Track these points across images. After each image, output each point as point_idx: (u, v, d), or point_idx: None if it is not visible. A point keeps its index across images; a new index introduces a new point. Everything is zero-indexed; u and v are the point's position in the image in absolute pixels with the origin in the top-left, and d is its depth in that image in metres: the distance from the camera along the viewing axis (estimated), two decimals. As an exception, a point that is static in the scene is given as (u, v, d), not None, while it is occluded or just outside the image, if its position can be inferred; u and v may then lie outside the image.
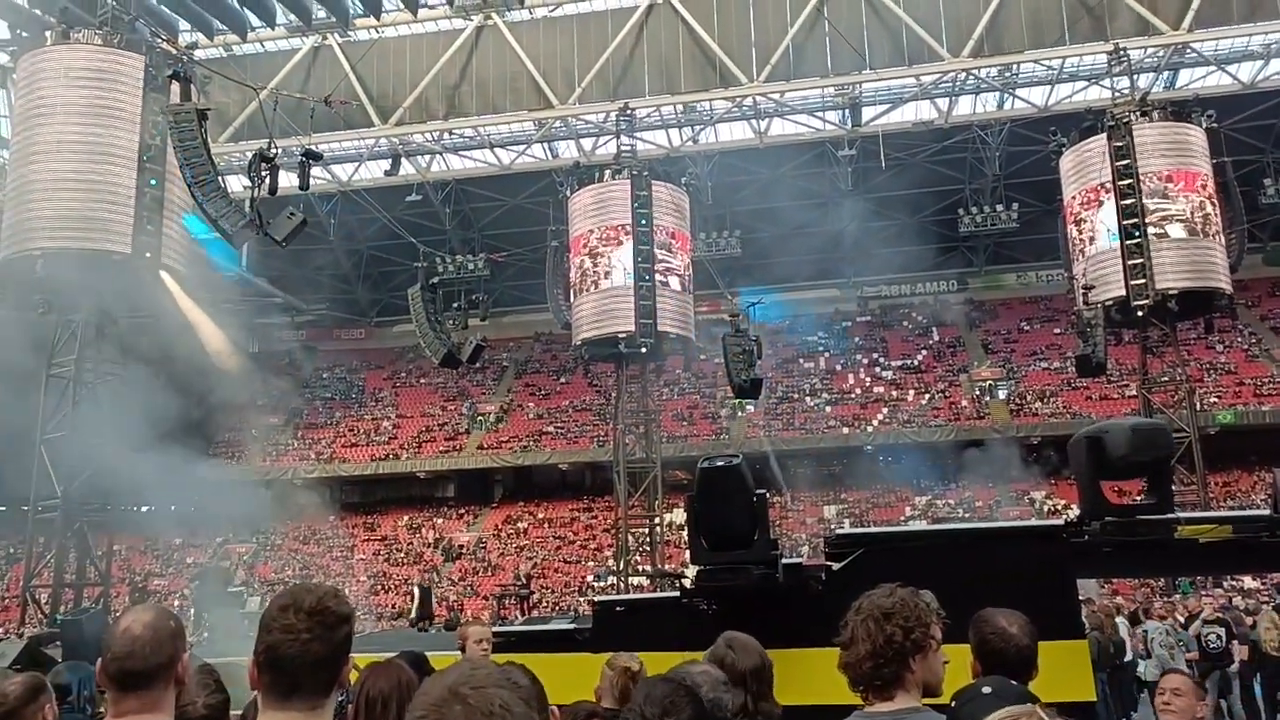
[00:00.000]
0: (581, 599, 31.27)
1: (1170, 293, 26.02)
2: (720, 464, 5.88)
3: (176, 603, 30.97)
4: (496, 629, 6.15)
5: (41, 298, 20.57)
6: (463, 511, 41.06)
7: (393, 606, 33.60)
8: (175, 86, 18.48)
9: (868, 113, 37.23)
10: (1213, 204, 26.99)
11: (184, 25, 35.31)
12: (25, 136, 21.98)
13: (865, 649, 2.49)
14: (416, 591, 21.30)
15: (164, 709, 2.32)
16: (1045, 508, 33.85)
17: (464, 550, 38.21)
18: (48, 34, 22.59)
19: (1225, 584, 20.80)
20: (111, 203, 21.27)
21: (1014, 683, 2.74)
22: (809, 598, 5.63)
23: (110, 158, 21.39)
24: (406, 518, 40.83)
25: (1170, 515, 5.31)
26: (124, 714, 2.27)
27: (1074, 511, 6.05)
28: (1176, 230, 26.51)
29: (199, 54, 33.23)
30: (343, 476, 40.98)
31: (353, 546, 39.13)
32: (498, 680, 1.40)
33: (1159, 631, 11.22)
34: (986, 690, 2.64)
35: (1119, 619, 12.27)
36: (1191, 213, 26.59)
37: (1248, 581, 21.95)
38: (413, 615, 19.80)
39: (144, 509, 25.62)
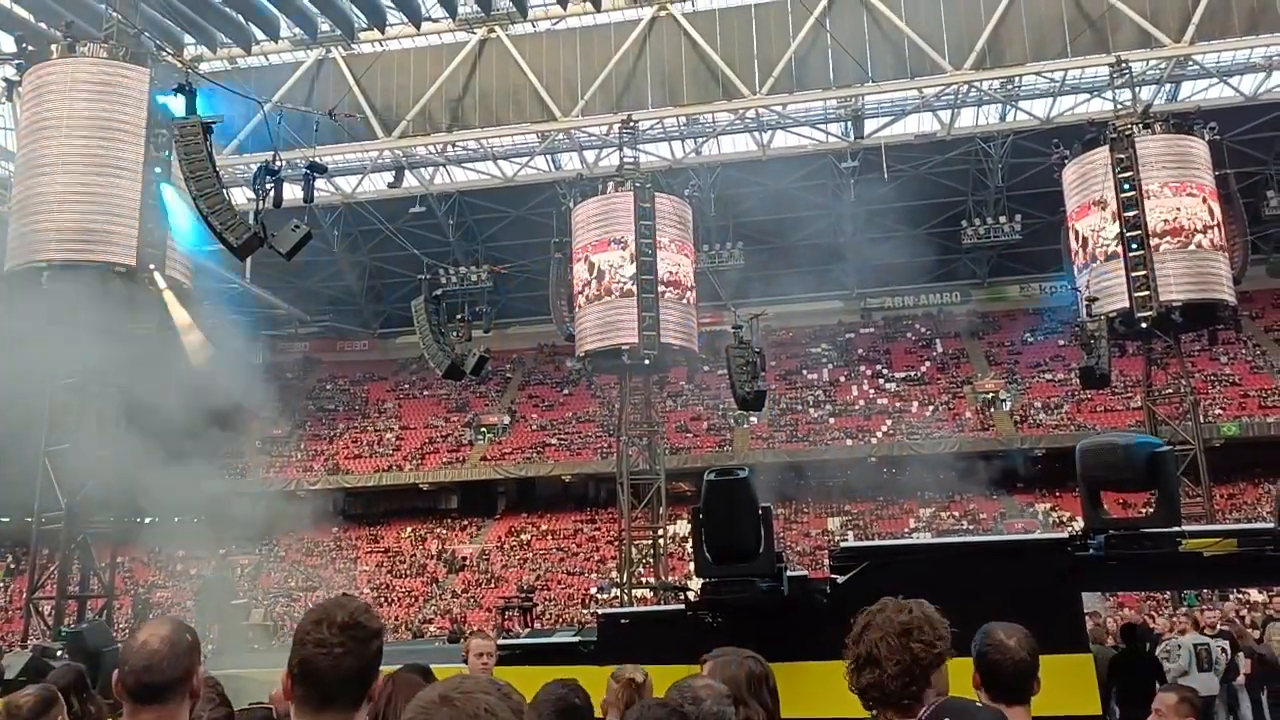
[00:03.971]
0: (585, 611, 31.21)
1: (1174, 304, 26.00)
2: (727, 476, 5.88)
3: (180, 615, 30.94)
4: (501, 642, 6.14)
5: (46, 309, 20.62)
6: (466, 523, 41.04)
7: (395, 618, 33.55)
8: (180, 99, 18.53)
9: (870, 125, 37.32)
10: (1216, 215, 26.98)
11: (189, 39, 35.49)
12: (31, 149, 22.07)
13: (893, 668, 2.47)
14: None
15: (180, 721, 2.34)
16: (1050, 520, 33.79)
17: (467, 562, 38.17)
18: (53, 47, 22.68)
19: (1232, 596, 20.75)
20: (116, 215, 21.34)
21: (979, 706, 2.70)
22: (814, 611, 5.63)
23: (115, 170, 21.46)
24: (410, 529, 40.82)
25: (1175, 529, 5.31)
26: (142, 726, 2.28)
27: (1079, 524, 6.04)
28: (1179, 242, 26.49)
29: (204, 67, 33.32)
30: (346, 488, 41.00)
31: (356, 558, 39.11)
32: (486, 688, 1.47)
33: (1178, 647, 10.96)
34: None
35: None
36: (1195, 225, 26.58)
37: (1253, 594, 21.87)
38: None
39: (147, 520, 25.59)
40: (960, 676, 2.87)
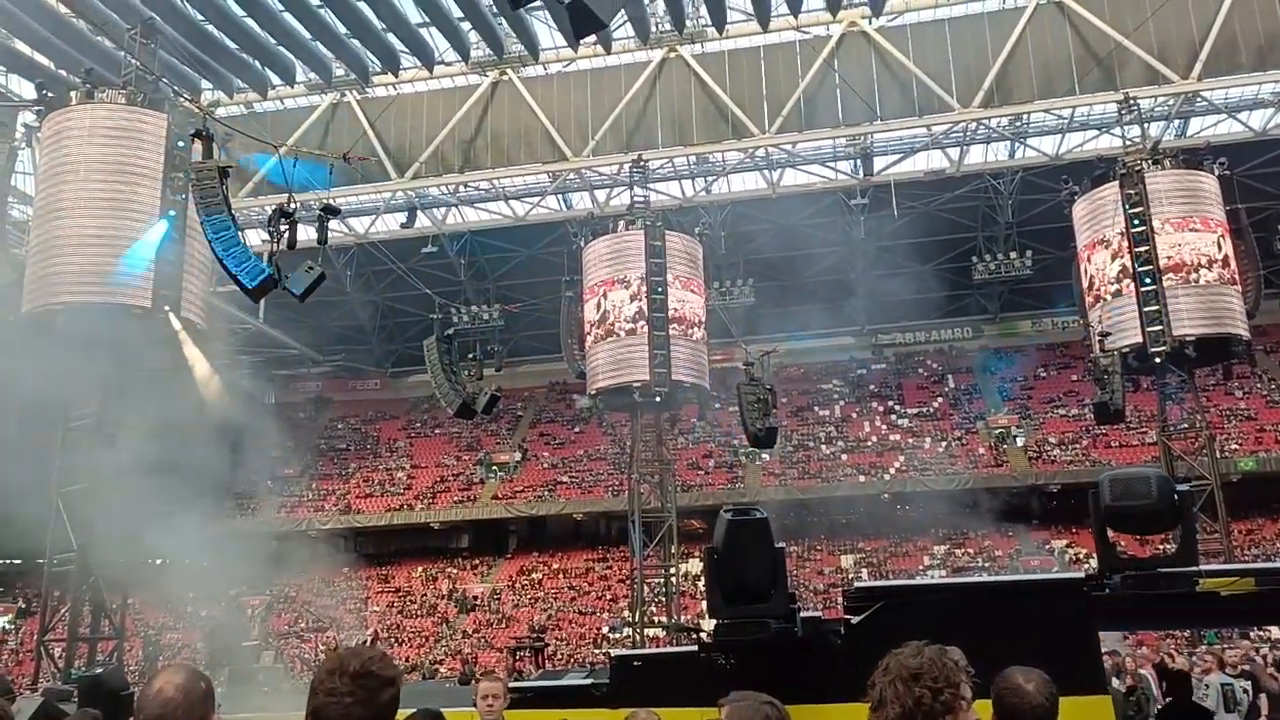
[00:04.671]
0: (597, 650, 30.96)
1: (1188, 339, 25.91)
2: (745, 516, 5.87)
3: (190, 656, 30.80)
4: (512, 685, 6.10)
5: (62, 351, 20.79)
6: (477, 562, 40.87)
7: (407, 659, 33.31)
8: (197, 144, 18.81)
9: (879, 162, 37.55)
10: (1225, 249, 26.94)
11: (206, 84, 36.05)
12: (50, 193, 22.38)
13: (895, 711, 2.47)
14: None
15: (192, 768, 2.34)
16: (1066, 556, 33.46)
17: (478, 601, 37.96)
18: (73, 94, 23.09)
19: (1252, 634, 20.42)
20: (133, 257, 21.58)
21: None
22: (828, 652, 5.58)
23: (132, 214, 21.74)
24: (421, 569, 40.67)
25: (1192, 568, 5.26)
26: (154, 773, 2.28)
27: (1095, 562, 5.99)
28: (1181, 277, 26.45)
29: (220, 111, 33.87)
30: (357, 527, 40.93)
31: (366, 598, 38.95)
32: None
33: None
34: None
35: (1144, 671, 12.03)
36: (1197, 260, 26.54)
37: (1274, 632, 21.53)
38: None
39: (158, 562, 25.58)
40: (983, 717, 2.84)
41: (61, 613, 22.22)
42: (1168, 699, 9.75)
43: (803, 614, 5.86)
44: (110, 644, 22.11)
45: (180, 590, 29.15)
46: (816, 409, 42.84)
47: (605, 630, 34.14)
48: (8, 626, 38.87)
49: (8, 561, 39.15)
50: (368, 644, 19.59)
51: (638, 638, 28.79)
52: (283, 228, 15.85)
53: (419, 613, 37.98)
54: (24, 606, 38.80)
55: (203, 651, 29.85)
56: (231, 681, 17.98)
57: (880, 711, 2.50)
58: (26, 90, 31.15)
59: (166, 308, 21.79)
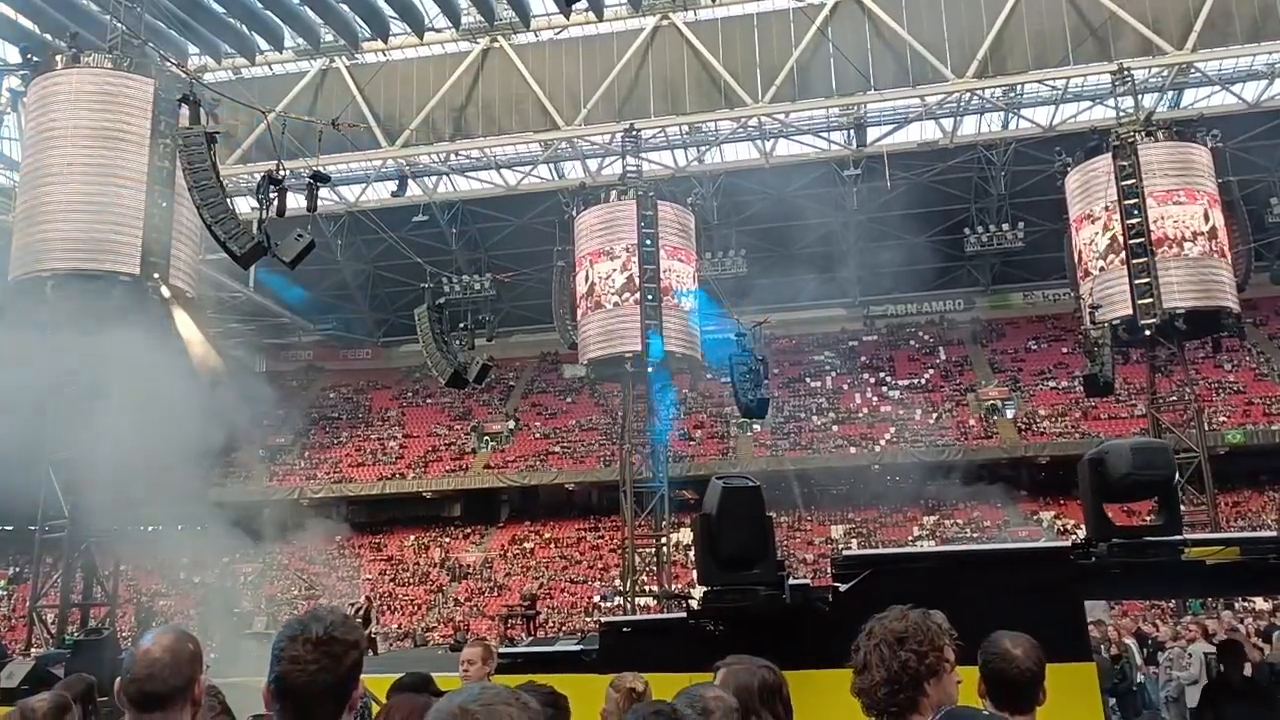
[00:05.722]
0: (589, 619, 31.17)
1: (1178, 312, 25.97)
2: (739, 485, 5.89)
3: (181, 623, 30.92)
4: (503, 650, 6.14)
5: (50, 318, 20.67)
6: (469, 531, 41.02)
7: (399, 626, 33.51)
8: (184, 109, 18.62)
9: (873, 133, 37.41)
10: (1213, 221, 26.95)
11: (193, 49, 35.64)
12: (36, 159, 22.13)
13: (880, 675, 2.49)
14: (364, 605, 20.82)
15: (181, 730, 2.35)
16: (1055, 528, 33.73)
17: (470, 570, 38.14)
18: (58, 58, 22.76)
19: (1236, 605, 20.65)
20: (120, 225, 21.38)
21: (985, 713, 2.69)
22: (816, 619, 5.62)
23: (119, 180, 21.52)
24: (413, 537, 40.80)
25: (1177, 537, 5.30)
26: (143, 734, 2.30)
27: (1083, 532, 6.03)
28: (1180, 249, 26.49)
29: (208, 77, 33.52)
30: (349, 496, 41.00)
31: (359, 566, 39.09)
32: (506, 699, 1.46)
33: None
34: None
35: (1128, 640, 12.16)
36: (1181, 233, 26.55)
37: (1259, 603, 21.79)
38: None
39: (150, 529, 25.61)
40: (967, 686, 2.87)
41: (54, 579, 22.25)
42: (1219, 667, 8.48)
43: (791, 581, 5.90)
44: (103, 610, 22.15)
45: (172, 557, 29.23)
46: (808, 380, 42.93)
47: (597, 599, 34.36)
48: (0, 592, 38.95)
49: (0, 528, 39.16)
50: (361, 611, 19.67)
51: (629, 606, 28.99)
52: (272, 194, 15.76)
53: (411, 580, 38.17)
54: (17, 572, 38.87)
55: (195, 618, 29.99)
56: (223, 647, 18.07)
57: (864, 675, 2.51)
58: (11, 55, 30.74)
59: (155, 275, 21.65)
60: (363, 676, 2.15)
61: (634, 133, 32.45)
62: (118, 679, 2.24)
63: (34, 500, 21.74)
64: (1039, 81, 34.26)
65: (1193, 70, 33.58)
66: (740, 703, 2.69)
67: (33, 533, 23.23)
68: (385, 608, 35.18)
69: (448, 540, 40.53)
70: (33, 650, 19.08)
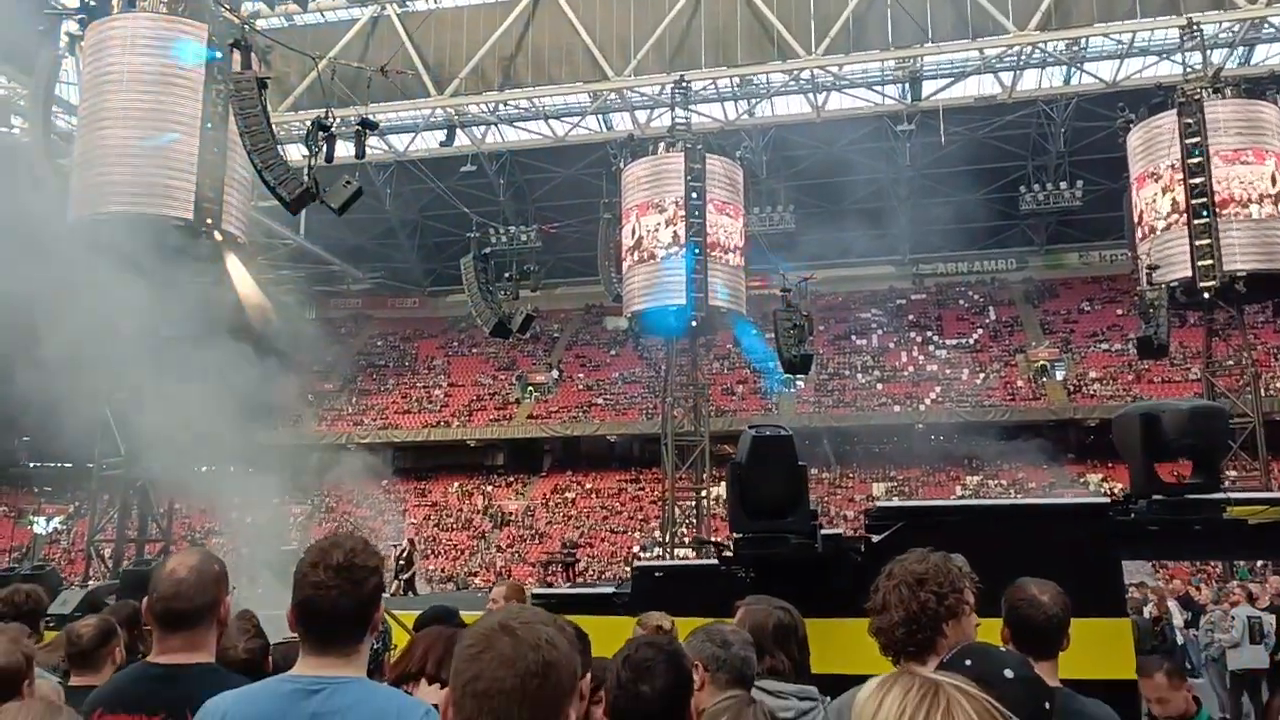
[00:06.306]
0: (627, 568, 31.52)
1: (1238, 274, 25.26)
2: (770, 433, 5.89)
3: (233, 558, 31.75)
4: (536, 591, 6.25)
5: (108, 260, 21.08)
6: (512, 480, 41.54)
7: (442, 570, 34.18)
8: (236, 55, 18.73)
9: (928, 87, 36.52)
10: (1282, 183, 26.05)
11: (246, -6, 35.72)
12: (93, 103, 22.45)
13: (899, 615, 2.49)
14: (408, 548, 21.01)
15: (206, 648, 2.43)
16: (1102, 491, 33.29)
17: (512, 518, 38.68)
18: (114, 3, 23.00)
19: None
20: (174, 170, 21.68)
21: (1003, 650, 2.55)
22: (848, 568, 5.63)
23: (173, 125, 21.78)
24: (457, 484, 41.44)
25: (1220, 495, 5.21)
26: (168, 651, 2.37)
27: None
28: (1246, 211, 25.69)
29: (260, 23, 33.60)
30: (395, 443, 41.65)
31: (404, 511, 39.83)
32: (544, 619, 1.52)
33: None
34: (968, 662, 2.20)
35: (1171, 602, 12.05)
36: (1259, 195, 25.72)
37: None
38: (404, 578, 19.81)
39: (204, 469, 26.28)
40: (993, 637, 2.86)
41: (110, 515, 22.95)
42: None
43: (824, 531, 5.90)
44: (157, 546, 22.83)
45: (225, 497, 29.96)
46: (854, 338, 42.58)
47: (636, 549, 34.70)
48: (59, 527, 40.31)
49: (59, 466, 40.39)
50: (404, 554, 20.05)
51: (668, 557, 29.24)
52: (321, 141, 15.85)
53: (455, 526, 38.84)
54: (76, 508, 40.16)
55: (245, 555, 30.80)
56: (270, 582, 18.53)
57: (883, 615, 2.51)
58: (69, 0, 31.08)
59: (209, 220, 21.97)
60: (401, 613, 2.20)
61: (684, 84, 32.04)
62: (145, 598, 2.30)
63: (91, 439, 22.34)
64: (1104, 35, 33.15)
65: (1266, 25, 32.26)
66: (755, 640, 2.71)
67: (90, 470, 23.92)
68: (430, 551, 35.85)
69: (490, 488, 41.11)
70: (90, 581, 19.74)
